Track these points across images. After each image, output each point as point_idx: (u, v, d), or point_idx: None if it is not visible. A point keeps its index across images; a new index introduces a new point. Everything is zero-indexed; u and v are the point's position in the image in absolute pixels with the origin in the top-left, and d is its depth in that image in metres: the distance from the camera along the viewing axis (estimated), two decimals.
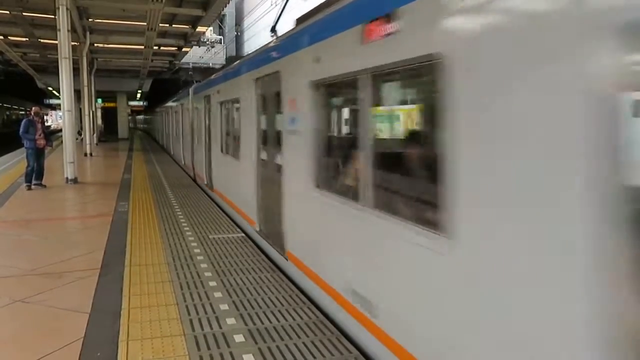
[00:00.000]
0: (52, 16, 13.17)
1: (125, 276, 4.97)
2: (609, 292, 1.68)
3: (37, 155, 11.05)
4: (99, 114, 35.08)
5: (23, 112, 61.83)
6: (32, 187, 10.92)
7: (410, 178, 3.32)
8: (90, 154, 20.07)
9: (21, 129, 10.99)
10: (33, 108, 11.87)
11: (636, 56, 1.63)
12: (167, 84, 35.82)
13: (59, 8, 11.92)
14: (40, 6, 14.82)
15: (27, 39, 20.08)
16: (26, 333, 3.80)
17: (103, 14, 17.24)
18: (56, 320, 4.00)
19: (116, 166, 16.64)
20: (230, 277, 4.97)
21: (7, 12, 15.70)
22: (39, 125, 11.20)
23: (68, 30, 12.18)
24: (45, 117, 15.41)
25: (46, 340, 3.60)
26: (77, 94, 17.51)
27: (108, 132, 38.16)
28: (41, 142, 11.10)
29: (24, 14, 15.94)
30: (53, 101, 38.88)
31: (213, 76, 11.02)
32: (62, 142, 13.46)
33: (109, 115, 40.39)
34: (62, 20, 11.96)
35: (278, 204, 5.32)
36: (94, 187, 11.86)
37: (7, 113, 59.45)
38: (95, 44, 21.64)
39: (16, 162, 16.58)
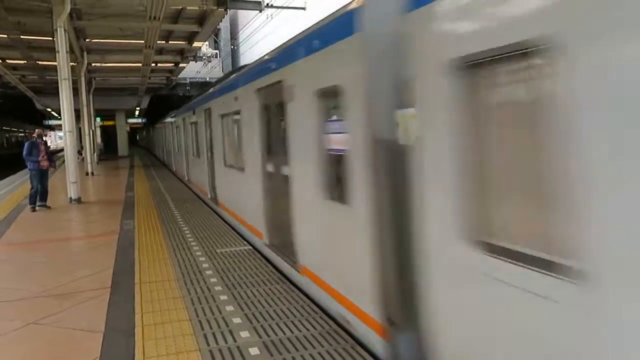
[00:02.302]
0: (50, 38, 13.26)
1: (136, 294, 4.98)
2: None
3: (41, 177, 11.08)
4: (98, 132, 35.20)
5: (22, 135, 62.00)
6: (37, 208, 10.94)
7: None
8: (92, 173, 20.15)
9: (24, 151, 11.05)
10: (36, 130, 11.95)
11: None
12: (166, 99, 35.95)
13: (57, 30, 11.98)
14: (37, 29, 14.93)
15: (25, 61, 20.21)
16: (41, 356, 3.80)
17: (100, 33, 17.32)
18: (70, 342, 4.00)
19: (118, 184, 16.68)
20: (241, 290, 4.98)
21: (5, 35, 15.82)
22: (42, 147, 11.26)
23: (67, 52, 12.26)
24: (45, 138, 15.49)
25: None
26: (77, 113, 17.58)
27: (108, 150, 38.26)
28: (44, 163, 11.15)
29: (21, 37, 16.05)
30: (52, 122, 39.03)
31: (216, 87, 10.92)
32: (63, 162, 13.51)
33: (109, 134, 40.51)
34: (61, 41, 12.00)
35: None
36: (98, 206, 11.89)
37: (7, 135, 59.51)
38: (93, 64, 21.77)
39: (19, 184, 16.61)
